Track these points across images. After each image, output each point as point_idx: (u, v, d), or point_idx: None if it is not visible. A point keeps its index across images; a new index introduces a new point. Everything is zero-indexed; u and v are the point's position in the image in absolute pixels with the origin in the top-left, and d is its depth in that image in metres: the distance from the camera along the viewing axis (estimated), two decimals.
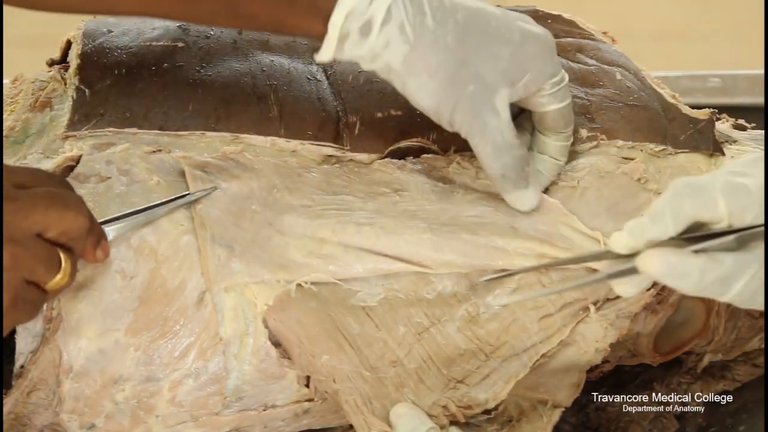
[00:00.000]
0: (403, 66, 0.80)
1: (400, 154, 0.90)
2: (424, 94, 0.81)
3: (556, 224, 0.85)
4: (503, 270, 0.84)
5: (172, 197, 0.82)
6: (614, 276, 0.75)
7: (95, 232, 0.73)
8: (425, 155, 0.89)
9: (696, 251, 0.70)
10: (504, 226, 0.85)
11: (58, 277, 0.70)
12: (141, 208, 0.80)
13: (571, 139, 0.88)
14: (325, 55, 0.80)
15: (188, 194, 0.82)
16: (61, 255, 0.70)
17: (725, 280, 0.71)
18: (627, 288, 0.75)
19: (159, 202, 0.81)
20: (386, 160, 0.88)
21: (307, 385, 0.83)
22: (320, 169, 0.87)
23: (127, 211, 0.80)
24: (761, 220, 0.71)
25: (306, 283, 0.81)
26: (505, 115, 0.82)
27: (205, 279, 0.80)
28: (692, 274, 0.70)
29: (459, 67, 0.81)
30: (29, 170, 0.73)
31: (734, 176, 0.72)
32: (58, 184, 0.73)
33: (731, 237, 0.71)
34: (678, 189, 0.72)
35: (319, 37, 0.80)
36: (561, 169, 0.88)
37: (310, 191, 0.85)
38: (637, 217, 0.73)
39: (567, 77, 0.85)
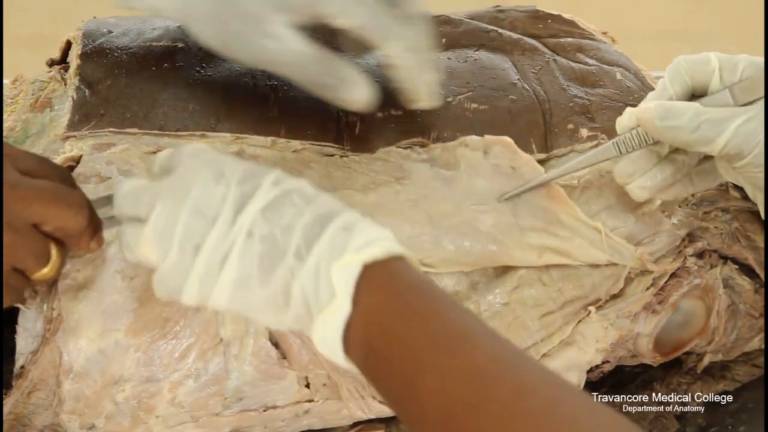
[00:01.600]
0: (183, 15, 0.83)
1: None
2: (210, 40, 0.82)
3: (557, 212, 0.85)
4: (504, 266, 0.84)
5: None
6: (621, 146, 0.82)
7: (92, 225, 0.74)
8: (432, 145, 0.89)
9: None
10: (506, 212, 0.85)
11: (45, 270, 0.71)
12: None
13: (403, 41, 0.83)
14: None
15: None
16: (52, 249, 0.71)
17: (718, 122, 0.76)
18: (639, 182, 0.82)
19: None
20: (389, 148, 0.88)
21: (308, 386, 0.83)
22: (320, 161, 0.87)
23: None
24: (753, 73, 0.78)
25: None
26: (287, 36, 0.80)
27: None
28: (686, 113, 0.76)
29: (226, 9, 0.81)
30: (38, 159, 0.73)
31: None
32: (63, 179, 0.73)
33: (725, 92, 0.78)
34: (676, 60, 0.81)
35: None
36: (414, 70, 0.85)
37: None
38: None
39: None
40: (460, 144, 0.88)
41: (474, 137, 0.88)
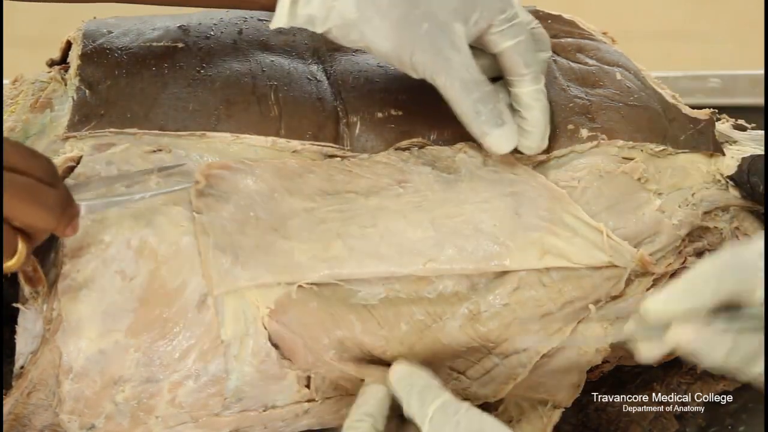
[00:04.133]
0: (357, 13, 0.82)
1: None
2: (380, 38, 0.82)
3: (560, 213, 0.86)
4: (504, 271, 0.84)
5: (157, 192, 0.82)
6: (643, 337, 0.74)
7: (68, 213, 0.74)
8: (430, 147, 0.89)
9: (724, 329, 0.70)
10: (508, 213, 0.85)
11: (11, 262, 0.72)
12: (120, 194, 0.81)
13: (540, 83, 0.86)
14: (279, 20, 0.82)
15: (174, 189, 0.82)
16: (20, 242, 0.71)
17: (751, 358, 0.70)
18: (652, 352, 0.74)
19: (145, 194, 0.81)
20: (390, 151, 0.88)
21: (308, 386, 0.83)
22: (321, 164, 0.87)
23: (109, 200, 0.80)
24: None
25: (307, 283, 0.81)
26: (466, 50, 0.83)
27: (207, 284, 0.80)
28: (720, 352, 0.70)
29: (411, 7, 0.82)
30: (21, 152, 0.72)
31: None
32: (45, 173, 0.73)
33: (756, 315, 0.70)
34: (724, 264, 0.70)
35: (272, 8, 0.83)
36: (545, 114, 0.87)
37: (312, 192, 0.85)
38: (673, 286, 0.71)
39: (520, 16, 0.85)
40: (459, 150, 0.88)
41: (472, 144, 0.88)
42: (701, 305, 0.70)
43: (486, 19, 0.83)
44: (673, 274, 0.90)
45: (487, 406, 0.87)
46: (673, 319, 0.71)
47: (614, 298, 0.87)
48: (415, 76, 0.85)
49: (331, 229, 0.83)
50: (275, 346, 0.81)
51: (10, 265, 0.72)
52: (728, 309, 0.71)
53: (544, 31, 0.89)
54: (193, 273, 0.80)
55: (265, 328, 0.80)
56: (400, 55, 0.83)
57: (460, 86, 0.83)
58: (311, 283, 0.81)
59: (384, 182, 0.86)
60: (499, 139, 0.85)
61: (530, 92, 0.86)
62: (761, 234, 0.70)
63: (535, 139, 0.87)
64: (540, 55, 0.88)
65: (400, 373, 0.78)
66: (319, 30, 0.84)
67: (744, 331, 0.70)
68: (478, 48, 0.86)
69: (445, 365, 0.84)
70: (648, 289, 0.88)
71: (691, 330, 0.70)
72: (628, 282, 0.88)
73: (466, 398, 0.84)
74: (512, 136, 0.85)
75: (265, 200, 0.83)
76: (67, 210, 0.73)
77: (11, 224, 0.71)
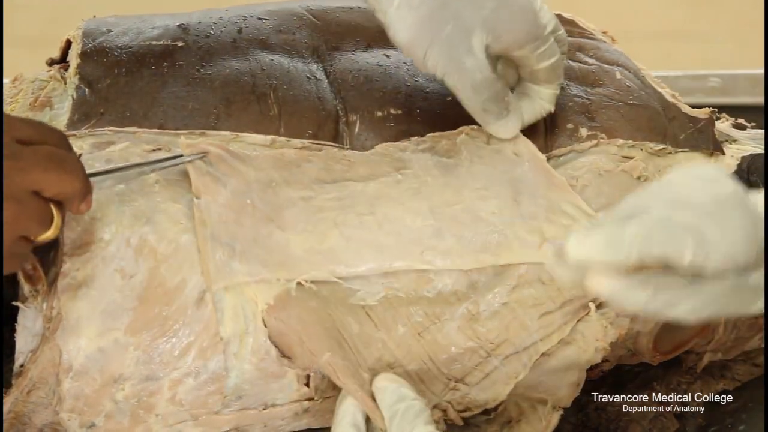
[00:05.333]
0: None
1: None
2: (402, 26, 0.84)
3: (558, 200, 0.86)
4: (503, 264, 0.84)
5: (163, 158, 0.83)
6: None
7: (86, 186, 0.75)
8: (431, 134, 0.89)
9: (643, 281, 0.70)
10: (507, 200, 0.85)
11: (49, 232, 0.73)
12: (128, 164, 0.82)
13: (557, 88, 0.90)
14: None
15: (179, 156, 0.83)
16: (53, 210, 0.73)
17: (665, 306, 0.71)
18: (569, 281, 0.75)
19: (149, 160, 0.83)
20: (388, 143, 0.89)
21: (307, 384, 0.83)
22: (319, 154, 0.87)
23: (114, 166, 0.82)
24: (719, 268, 0.70)
25: (306, 281, 0.81)
26: (482, 56, 0.85)
27: (205, 278, 0.80)
28: (636, 302, 0.70)
29: (440, 6, 0.84)
30: (33, 124, 0.74)
31: (708, 221, 0.71)
32: (59, 142, 0.75)
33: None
34: (653, 228, 0.70)
35: None
36: (546, 112, 0.90)
37: (309, 182, 0.85)
38: (598, 233, 0.71)
39: (555, 34, 0.87)
40: (460, 132, 0.89)
41: (475, 126, 0.89)
42: (622, 262, 0.70)
43: (516, 43, 0.85)
44: None
45: (486, 411, 0.87)
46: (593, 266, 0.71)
47: None
48: (423, 70, 0.86)
49: (327, 218, 0.83)
50: (275, 344, 0.81)
51: (48, 235, 0.73)
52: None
53: (564, 33, 0.90)
54: (193, 271, 0.80)
55: (265, 326, 0.80)
56: (415, 48, 0.85)
57: (470, 87, 0.85)
58: (310, 282, 0.81)
59: (383, 169, 0.86)
60: (500, 129, 0.88)
61: (550, 95, 0.89)
62: (687, 200, 0.71)
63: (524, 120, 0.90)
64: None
65: (385, 393, 0.78)
66: None
67: (665, 284, 0.70)
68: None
69: (442, 373, 0.84)
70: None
71: (608, 283, 0.70)
72: None
73: (466, 408, 0.84)
74: (516, 125, 0.89)
75: (262, 189, 0.84)
76: (87, 181, 0.75)
77: (42, 196, 0.71)
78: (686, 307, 0.71)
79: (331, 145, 0.88)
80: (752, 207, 0.72)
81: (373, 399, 0.79)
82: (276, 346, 0.81)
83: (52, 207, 0.72)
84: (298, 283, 0.81)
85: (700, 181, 0.73)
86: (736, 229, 0.71)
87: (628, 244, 0.69)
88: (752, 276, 0.71)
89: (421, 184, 0.85)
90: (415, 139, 0.89)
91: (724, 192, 0.72)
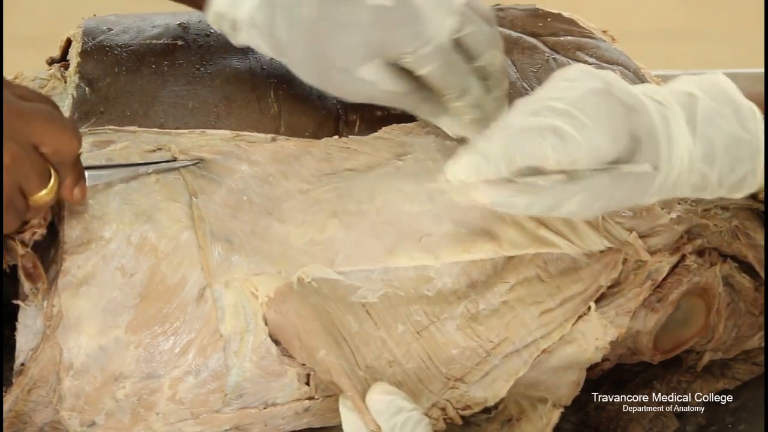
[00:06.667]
0: (279, 57, 0.87)
1: None
2: (309, 81, 0.87)
3: None
4: (502, 262, 0.84)
5: (157, 161, 0.84)
6: None
7: (78, 168, 0.75)
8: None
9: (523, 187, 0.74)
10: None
11: (44, 192, 0.73)
12: (123, 164, 0.83)
13: (464, 100, 0.86)
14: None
15: (173, 161, 0.84)
16: (51, 171, 0.73)
17: (551, 207, 0.75)
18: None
19: (142, 162, 0.83)
20: (393, 125, 0.89)
21: (308, 383, 0.83)
22: (319, 144, 0.87)
23: (109, 164, 0.82)
24: (587, 165, 0.74)
25: (307, 277, 0.81)
26: (380, 78, 0.84)
27: (205, 274, 0.80)
28: (519, 206, 0.75)
29: (318, 61, 0.85)
30: (31, 90, 0.75)
31: (563, 119, 0.74)
32: (54, 107, 0.75)
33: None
34: (512, 138, 0.75)
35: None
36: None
37: (308, 173, 0.85)
38: (468, 157, 0.75)
39: (430, 45, 0.85)
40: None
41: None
42: (497, 175, 0.75)
43: (395, 51, 0.84)
44: (673, 273, 0.90)
45: (487, 409, 0.87)
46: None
47: (613, 292, 0.87)
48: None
49: (326, 209, 0.83)
50: (275, 341, 0.81)
51: (43, 195, 0.72)
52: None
53: (484, 31, 0.86)
54: (193, 268, 0.80)
55: (266, 324, 0.80)
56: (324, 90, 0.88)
57: (390, 103, 0.87)
58: (311, 279, 0.81)
59: (383, 157, 0.86)
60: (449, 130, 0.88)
61: (456, 108, 0.87)
62: (550, 104, 0.75)
63: None
64: (486, 58, 0.86)
65: (380, 406, 0.78)
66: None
67: (545, 186, 0.75)
68: None
69: (441, 372, 0.84)
70: (643, 284, 0.88)
71: (489, 192, 0.75)
72: (626, 273, 0.88)
73: (465, 406, 0.84)
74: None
75: (259, 184, 0.84)
76: (79, 162, 0.75)
77: (40, 151, 0.71)
78: (572, 205, 0.75)
79: None
80: (623, 97, 0.75)
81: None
82: (275, 341, 0.81)
83: (51, 168, 0.72)
84: (299, 279, 0.81)
85: (565, 82, 0.77)
86: (597, 122, 0.74)
87: (495, 159, 0.74)
88: (628, 166, 0.75)
89: (422, 169, 0.85)
90: (419, 123, 0.89)
91: (585, 87, 0.76)
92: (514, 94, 0.93)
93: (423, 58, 0.84)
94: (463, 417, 0.86)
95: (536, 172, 0.75)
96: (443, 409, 0.84)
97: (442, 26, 0.84)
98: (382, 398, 0.78)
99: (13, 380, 0.81)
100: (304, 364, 0.82)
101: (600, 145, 0.74)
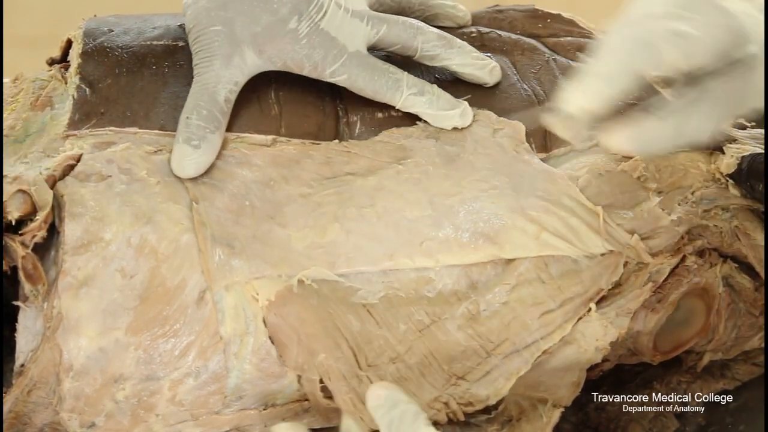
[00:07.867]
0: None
1: None
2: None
3: (557, 193, 0.86)
4: (502, 264, 0.84)
5: None
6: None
7: None
8: None
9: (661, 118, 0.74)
10: (506, 191, 0.85)
11: None
12: None
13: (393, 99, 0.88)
14: None
15: None
16: None
17: (678, 126, 0.75)
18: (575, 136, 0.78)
19: None
20: (393, 129, 0.89)
21: None
22: (319, 147, 0.87)
23: None
24: (705, 62, 0.74)
25: (307, 279, 0.81)
26: (231, 72, 0.85)
27: (206, 277, 0.80)
28: (665, 143, 0.75)
29: (220, 8, 0.85)
30: None
31: (677, 22, 0.74)
32: None
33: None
34: (625, 47, 0.74)
35: None
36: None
37: (309, 177, 0.85)
38: (588, 76, 0.74)
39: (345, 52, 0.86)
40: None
41: (487, 112, 0.89)
42: (620, 94, 0.73)
43: (298, 67, 0.87)
44: (673, 273, 0.90)
45: (486, 406, 0.87)
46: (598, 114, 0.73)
47: (614, 293, 0.87)
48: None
49: (328, 213, 0.83)
50: (273, 341, 0.81)
51: None
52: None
53: (397, 22, 0.89)
54: (193, 270, 0.80)
55: (266, 325, 0.81)
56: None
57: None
58: (312, 280, 0.81)
59: (383, 161, 0.86)
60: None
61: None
62: (652, 13, 0.75)
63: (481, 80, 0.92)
64: (417, 42, 0.89)
65: (377, 402, 0.78)
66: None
67: (682, 109, 0.74)
68: None
69: (443, 369, 0.84)
70: (645, 284, 0.88)
71: (626, 136, 0.74)
72: (627, 275, 0.88)
73: (468, 402, 0.85)
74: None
75: (260, 189, 0.84)
76: None
77: None
78: (695, 119, 0.74)
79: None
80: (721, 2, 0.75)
81: (363, 402, 0.79)
82: (274, 344, 0.81)
83: None
84: (300, 281, 0.81)
85: None
86: (708, 17, 0.74)
87: (616, 76, 0.73)
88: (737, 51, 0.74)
89: (422, 174, 0.86)
90: (422, 124, 0.89)
91: None
92: (515, 95, 0.93)
93: (335, 72, 0.86)
94: (464, 414, 0.86)
95: (652, 93, 0.75)
96: (446, 403, 0.84)
97: (351, 39, 0.86)
98: (378, 393, 0.78)
99: (13, 381, 0.81)
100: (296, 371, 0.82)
101: (718, 38, 0.74)
